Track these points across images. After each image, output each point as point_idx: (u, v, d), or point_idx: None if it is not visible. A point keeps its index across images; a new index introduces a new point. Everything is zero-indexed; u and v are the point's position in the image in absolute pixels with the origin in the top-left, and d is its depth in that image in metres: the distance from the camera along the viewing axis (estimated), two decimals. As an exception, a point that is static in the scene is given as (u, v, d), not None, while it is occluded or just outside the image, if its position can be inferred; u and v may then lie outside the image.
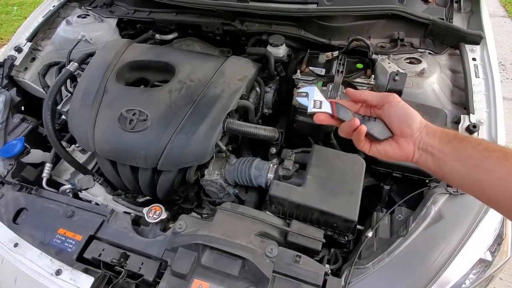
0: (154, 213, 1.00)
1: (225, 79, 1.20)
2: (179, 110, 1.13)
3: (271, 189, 0.99)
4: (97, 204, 1.18)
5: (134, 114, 1.12)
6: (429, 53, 1.27)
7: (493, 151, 0.49)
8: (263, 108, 1.38)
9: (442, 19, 1.29)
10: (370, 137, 0.65)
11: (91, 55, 1.45)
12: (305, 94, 0.70)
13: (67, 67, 1.36)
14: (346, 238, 1.03)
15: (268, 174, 1.07)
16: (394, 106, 0.61)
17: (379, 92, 1.20)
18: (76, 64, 1.38)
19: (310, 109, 0.70)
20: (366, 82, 1.18)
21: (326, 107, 0.69)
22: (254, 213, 0.97)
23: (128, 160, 1.12)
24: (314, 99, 0.70)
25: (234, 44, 1.68)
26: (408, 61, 1.24)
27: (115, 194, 1.33)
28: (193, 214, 1.42)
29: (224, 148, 1.11)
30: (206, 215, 1.38)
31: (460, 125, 1.06)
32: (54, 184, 1.31)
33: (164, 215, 1.00)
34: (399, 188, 1.20)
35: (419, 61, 1.23)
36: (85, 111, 1.19)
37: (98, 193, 1.16)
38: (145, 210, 1.01)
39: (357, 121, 0.63)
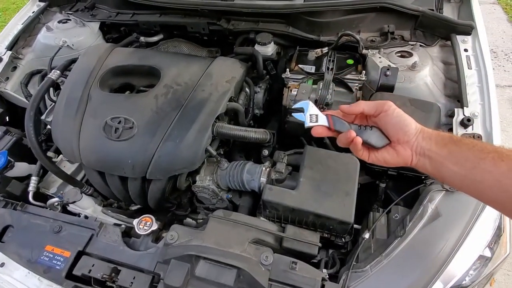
0: (145, 225, 0.97)
1: (213, 82, 1.16)
2: (166, 116, 1.09)
3: (264, 194, 0.96)
4: (86, 217, 1.14)
5: (119, 122, 1.08)
6: (420, 45, 1.24)
7: (488, 152, 0.50)
8: (254, 109, 1.35)
9: (432, 10, 1.26)
10: (368, 145, 0.67)
11: (73, 61, 1.40)
12: (301, 108, 0.73)
13: (49, 76, 1.31)
14: (343, 240, 1.01)
15: (261, 178, 1.05)
16: (390, 115, 0.64)
17: (371, 87, 1.18)
18: (58, 72, 1.33)
19: (307, 124, 0.72)
20: (357, 78, 1.15)
21: (323, 121, 0.71)
22: (247, 220, 0.94)
23: (115, 170, 1.08)
24: (310, 114, 0.72)
25: (222, 44, 1.64)
26: (399, 54, 1.22)
27: (107, 204, 1.30)
28: (188, 220, 1.40)
29: (214, 153, 1.08)
30: (201, 220, 1.36)
31: (454, 119, 1.04)
32: (41, 197, 1.27)
33: (155, 226, 0.96)
34: (395, 185, 1.18)
35: (411, 54, 1.20)
36: (69, 121, 1.14)
37: (86, 206, 1.13)
38: (135, 221, 0.98)
39: (353, 133, 0.65)
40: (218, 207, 1.19)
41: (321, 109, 1.04)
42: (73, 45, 1.54)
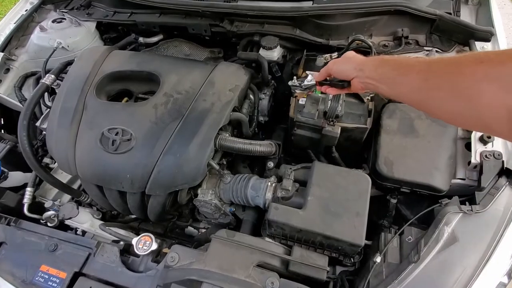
0: (144, 244, 0.92)
1: (215, 90, 1.10)
2: (165, 127, 1.03)
3: (269, 213, 0.91)
4: (83, 232, 1.10)
5: (116, 134, 1.02)
6: (436, 51, 1.16)
7: (401, 68, 0.60)
8: (258, 116, 1.28)
9: (450, 13, 1.18)
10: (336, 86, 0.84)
11: (69, 63, 1.33)
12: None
13: (42, 81, 1.25)
14: (352, 260, 0.96)
15: (266, 195, 0.99)
16: (334, 73, 0.81)
17: (384, 96, 1.11)
18: (52, 76, 1.26)
19: (304, 83, 1.03)
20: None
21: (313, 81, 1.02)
22: (252, 242, 0.89)
23: (113, 185, 1.03)
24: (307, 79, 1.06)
25: (225, 44, 1.56)
26: (414, 61, 1.14)
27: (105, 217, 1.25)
28: (190, 229, 1.35)
29: (217, 167, 1.02)
30: (203, 230, 1.31)
31: (473, 135, 0.97)
32: (37, 207, 1.22)
33: (154, 246, 0.92)
34: (406, 200, 1.12)
35: (426, 62, 1.13)
36: (64, 131, 1.09)
37: (83, 220, 1.08)
38: (134, 241, 0.93)
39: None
40: (220, 222, 1.14)
41: (331, 122, 0.97)
42: (68, 46, 1.47)
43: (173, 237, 1.40)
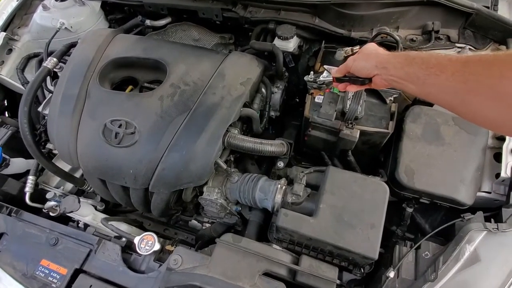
0: (146, 244, 0.89)
1: (225, 83, 1.02)
2: (171, 121, 0.97)
3: (278, 219, 0.86)
4: (85, 225, 1.07)
5: (120, 126, 0.97)
6: (470, 48, 1.06)
7: (431, 67, 0.55)
8: (270, 111, 1.21)
9: (487, 7, 1.06)
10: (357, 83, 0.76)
11: (72, 45, 1.26)
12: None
13: (44, 64, 1.19)
14: (362, 271, 0.92)
15: (275, 198, 0.94)
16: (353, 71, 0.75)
17: (407, 97, 1.03)
18: (55, 59, 1.20)
19: (320, 79, 0.95)
20: (392, 90, 0.99)
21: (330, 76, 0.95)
22: (258, 248, 0.85)
23: (116, 179, 0.99)
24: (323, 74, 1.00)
25: (236, 29, 1.46)
26: (444, 59, 1.04)
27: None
28: (194, 222, 1.32)
29: (224, 166, 0.97)
30: (208, 224, 1.28)
31: (505, 146, 0.89)
32: (40, 196, 1.20)
33: (157, 246, 0.88)
34: (422, 207, 1.06)
35: (457, 60, 1.02)
36: (65, 120, 1.03)
37: (85, 213, 1.05)
38: (136, 239, 0.90)
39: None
40: (226, 222, 1.10)
41: (349, 124, 0.90)
42: (71, 27, 1.39)
43: (177, 227, 1.38)
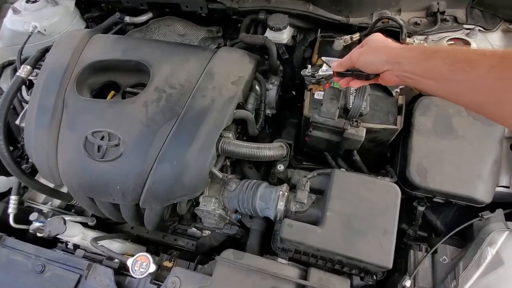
0: (141, 266, 0.82)
1: (215, 84, 0.93)
2: (158, 129, 0.88)
3: (282, 231, 0.79)
4: (75, 246, 0.99)
5: (102, 138, 0.88)
6: (479, 30, 0.97)
7: (458, 62, 0.49)
8: (265, 110, 1.12)
9: (498, -19, 0.96)
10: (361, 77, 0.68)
11: (47, 50, 1.16)
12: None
13: (18, 73, 1.09)
14: (374, 278, 0.86)
15: (278, 205, 0.86)
16: (359, 66, 0.65)
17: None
18: (28, 67, 1.10)
19: (318, 73, 0.85)
20: None
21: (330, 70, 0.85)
22: (262, 264, 0.78)
23: (102, 196, 0.91)
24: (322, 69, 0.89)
25: (224, 21, 1.36)
26: (452, 43, 0.95)
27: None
28: (193, 229, 1.26)
29: (220, 175, 0.89)
30: (207, 232, 1.21)
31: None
32: (26, 215, 1.12)
33: (152, 268, 0.81)
34: (433, 204, 0.99)
35: (467, 43, 0.94)
36: (42, 133, 0.94)
37: (74, 233, 0.97)
38: (129, 262, 0.82)
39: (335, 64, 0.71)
40: (225, 233, 1.03)
41: (354, 122, 0.82)
42: (45, 30, 1.28)
43: (176, 233, 1.31)
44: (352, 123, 0.81)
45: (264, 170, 1.16)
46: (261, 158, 0.88)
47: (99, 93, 1.08)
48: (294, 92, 1.38)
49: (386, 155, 1.02)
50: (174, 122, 0.88)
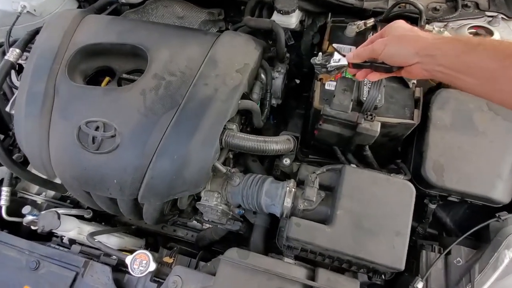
0: (140, 264, 0.78)
1: (219, 71, 0.86)
2: (158, 120, 0.82)
3: (289, 230, 0.75)
4: (70, 241, 0.95)
5: (97, 129, 0.82)
6: (502, 17, 0.90)
7: (508, 58, 0.43)
8: (271, 100, 1.06)
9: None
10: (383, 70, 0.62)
11: (38, 32, 1.07)
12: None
13: (6, 57, 1.01)
14: (383, 278, 0.83)
15: (285, 203, 0.82)
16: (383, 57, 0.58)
17: (432, 79, 0.88)
18: (17, 50, 1.02)
19: (330, 64, 0.77)
20: None
21: (344, 61, 0.75)
22: (268, 264, 0.74)
23: (98, 190, 0.86)
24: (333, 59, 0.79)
25: (226, 3, 1.27)
26: (474, 31, 0.89)
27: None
28: (194, 222, 1.22)
29: (224, 170, 0.84)
30: (208, 225, 1.17)
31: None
32: (19, 206, 1.07)
33: (152, 266, 0.78)
34: (445, 203, 0.96)
35: (489, 32, 0.87)
36: (33, 122, 0.88)
37: (69, 228, 0.93)
38: (128, 259, 0.79)
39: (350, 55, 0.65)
40: (228, 229, 0.99)
41: (368, 116, 0.76)
42: (35, 10, 1.18)
43: (176, 224, 1.28)
44: (366, 117, 0.75)
45: (268, 162, 1.11)
46: (267, 152, 0.83)
47: (93, 79, 1.01)
48: (297, 80, 1.31)
49: (397, 150, 0.97)
50: (174, 112, 0.82)
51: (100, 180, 0.83)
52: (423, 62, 0.52)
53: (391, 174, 0.78)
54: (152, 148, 0.80)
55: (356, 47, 0.69)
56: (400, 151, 0.98)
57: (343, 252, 0.73)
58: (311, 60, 0.87)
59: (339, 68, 0.84)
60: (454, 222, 0.99)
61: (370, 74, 0.64)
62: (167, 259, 0.95)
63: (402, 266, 0.71)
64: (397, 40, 0.54)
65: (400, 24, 0.58)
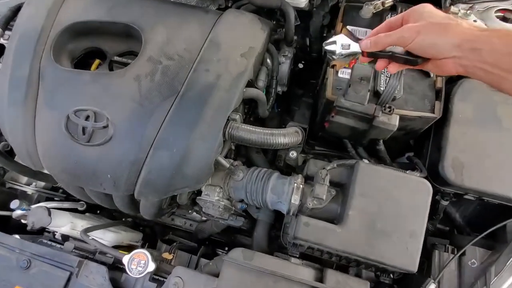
0: (138, 264, 0.73)
1: (221, 56, 0.78)
2: (154, 109, 0.75)
3: (298, 230, 0.71)
4: (63, 237, 0.90)
5: (87, 118, 0.74)
6: (534, -2, 0.82)
7: None
8: (277, 87, 0.98)
9: None
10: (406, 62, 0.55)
11: (21, 8, 0.96)
12: (334, 41, 0.64)
13: (-16, 36, 0.91)
14: (392, 276, 0.80)
15: (292, 200, 0.76)
16: (414, 46, 0.50)
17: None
18: (-1, 29, 0.92)
19: (338, 53, 0.64)
20: None
21: (355, 47, 0.62)
22: (274, 265, 0.70)
23: (91, 185, 0.80)
24: (342, 43, 0.64)
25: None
26: (501, 14, 0.81)
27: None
28: (194, 214, 1.18)
29: (227, 165, 0.78)
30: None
31: None
32: (8, 198, 1.01)
33: (151, 267, 0.73)
34: (458, 201, 0.92)
35: (520, 15, 0.79)
36: (17, 110, 0.80)
37: (61, 223, 0.87)
38: (125, 259, 0.74)
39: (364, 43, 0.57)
40: (230, 224, 0.95)
41: (386, 109, 0.69)
42: (13, -19, 1.06)
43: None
44: (384, 109, 0.69)
45: (272, 154, 1.06)
46: (274, 146, 0.76)
47: (82, 61, 0.92)
48: (301, 65, 1.22)
49: (409, 143, 0.92)
50: (172, 101, 0.75)
51: (93, 174, 0.76)
52: (464, 56, 0.45)
53: (407, 171, 0.73)
54: (149, 141, 0.73)
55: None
56: (413, 144, 0.92)
57: (354, 253, 0.69)
58: (324, 46, 0.79)
59: (351, 55, 0.75)
60: (464, 217, 0.96)
61: (390, 65, 0.57)
62: (166, 255, 0.91)
63: (415, 268, 0.68)
64: (436, 29, 0.47)
65: (431, 9, 0.50)
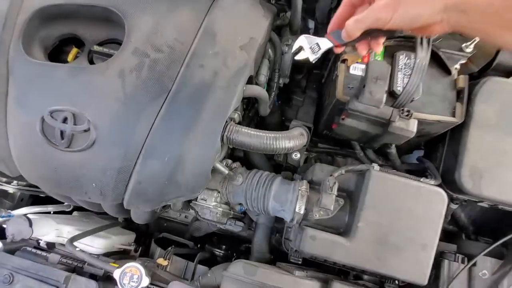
0: (131, 279, 0.68)
1: (218, 48, 0.68)
2: (142, 110, 0.66)
3: (304, 245, 0.66)
4: (49, 245, 0.83)
5: (65, 120, 0.65)
6: None
7: None
8: (279, 80, 0.89)
9: None
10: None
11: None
12: (299, 48, 0.60)
13: None
14: (396, 283, 0.78)
15: (296, 209, 0.71)
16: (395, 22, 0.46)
17: (475, 64, 0.73)
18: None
19: (313, 58, 0.60)
20: (458, 52, 0.67)
21: (325, 44, 0.58)
22: (279, 281, 0.66)
23: (75, 194, 0.72)
24: (310, 47, 0.59)
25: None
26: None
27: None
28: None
29: (226, 171, 0.71)
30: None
31: None
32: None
33: (145, 282, 0.68)
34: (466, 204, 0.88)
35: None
36: (-16, 110, 0.70)
37: (45, 231, 0.80)
38: (116, 273, 0.69)
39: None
40: (229, 229, 0.90)
41: (404, 112, 0.62)
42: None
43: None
44: (402, 113, 0.61)
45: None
46: (277, 151, 0.69)
47: (56, 49, 0.81)
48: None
49: (420, 144, 0.86)
50: (162, 101, 0.66)
51: (76, 183, 0.68)
52: (450, 19, 0.41)
53: (421, 179, 0.68)
54: (136, 147, 0.65)
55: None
56: (424, 147, 0.87)
57: (363, 268, 0.65)
58: (292, 57, 0.68)
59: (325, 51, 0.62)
60: (469, 218, 0.93)
61: (373, 45, 0.52)
62: (161, 261, 0.86)
63: (425, 281, 0.65)
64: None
65: None
